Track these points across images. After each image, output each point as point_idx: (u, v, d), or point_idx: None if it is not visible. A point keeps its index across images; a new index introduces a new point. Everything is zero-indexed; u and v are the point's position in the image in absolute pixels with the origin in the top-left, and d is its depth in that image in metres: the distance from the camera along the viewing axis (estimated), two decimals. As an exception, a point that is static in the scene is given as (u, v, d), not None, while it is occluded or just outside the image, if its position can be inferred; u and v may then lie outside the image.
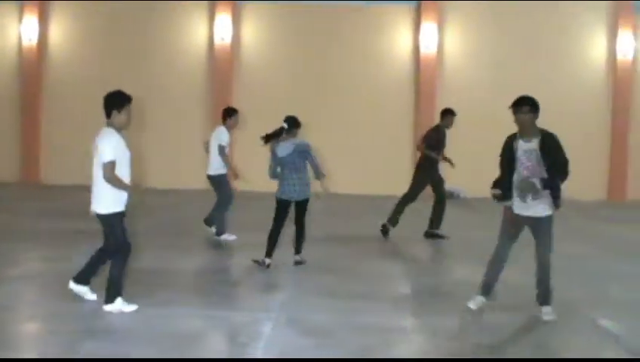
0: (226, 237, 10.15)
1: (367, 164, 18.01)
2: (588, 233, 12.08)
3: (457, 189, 17.18)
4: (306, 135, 16.29)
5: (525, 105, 5.96)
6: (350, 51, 18.21)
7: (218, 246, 9.88)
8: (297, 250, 8.48)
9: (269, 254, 8.14)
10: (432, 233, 10.76)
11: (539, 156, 5.94)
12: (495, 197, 6.22)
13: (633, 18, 18.17)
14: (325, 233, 10.84)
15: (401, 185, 18.10)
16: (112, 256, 6.12)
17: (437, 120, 18.95)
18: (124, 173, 5.96)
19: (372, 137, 18.07)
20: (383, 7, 18.14)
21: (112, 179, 5.83)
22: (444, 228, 10.82)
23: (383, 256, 9.30)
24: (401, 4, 18.20)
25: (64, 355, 4.87)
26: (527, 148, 5.99)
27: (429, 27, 17.87)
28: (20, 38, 18.31)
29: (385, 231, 10.70)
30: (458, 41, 18.36)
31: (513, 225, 6.22)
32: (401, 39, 18.28)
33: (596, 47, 18.36)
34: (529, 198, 5.99)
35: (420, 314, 6.40)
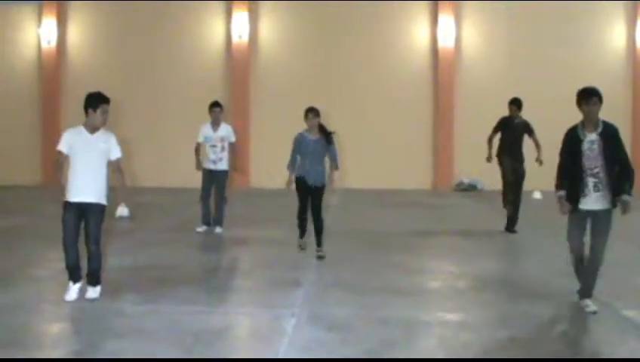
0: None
1: (385, 158, 17.96)
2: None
3: (475, 180, 17.13)
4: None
5: (595, 96, 5.94)
6: (368, 46, 18.17)
7: (235, 242, 9.91)
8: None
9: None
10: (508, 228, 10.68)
11: (601, 147, 5.93)
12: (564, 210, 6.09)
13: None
14: (345, 228, 10.82)
15: (420, 178, 18.18)
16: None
17: (455, 113, 18.87)
18: (78, 167, 6.20)
19: (391, 132, 18.02)
20: (401, 1, 18.05)
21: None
22: (468, 222, 10.67)
23: (403, 250, 9.25)
24: (418, -3, 18.12)
25: (89, 355, 4.90)
26: (591, 139, 5.96)
27: (446, 20, 17.80)
28: (39, 41, 18.46)
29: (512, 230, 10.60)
30: (475, 33, 18.24)
31: (579, 217, 6.10)
32: (418, 32, 18.20)
33: (615, 34, 18.15)
34: (589, 191, 5.96)
35: (443, 308, 6.36)
